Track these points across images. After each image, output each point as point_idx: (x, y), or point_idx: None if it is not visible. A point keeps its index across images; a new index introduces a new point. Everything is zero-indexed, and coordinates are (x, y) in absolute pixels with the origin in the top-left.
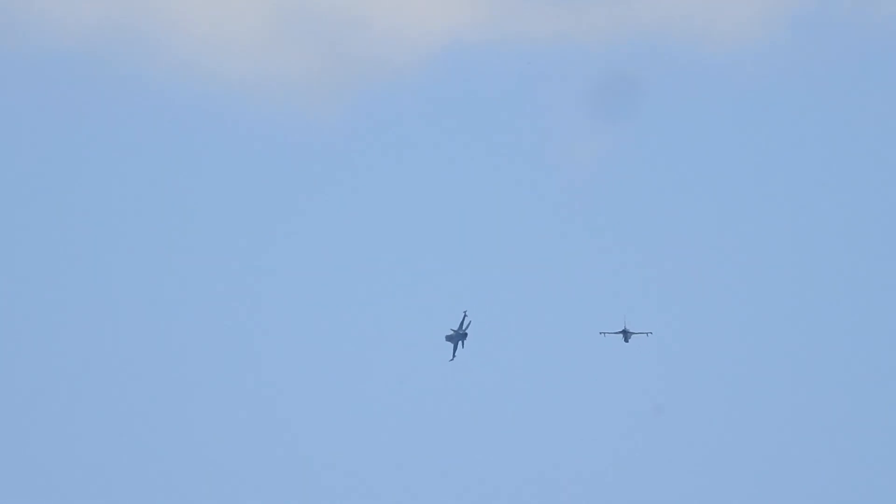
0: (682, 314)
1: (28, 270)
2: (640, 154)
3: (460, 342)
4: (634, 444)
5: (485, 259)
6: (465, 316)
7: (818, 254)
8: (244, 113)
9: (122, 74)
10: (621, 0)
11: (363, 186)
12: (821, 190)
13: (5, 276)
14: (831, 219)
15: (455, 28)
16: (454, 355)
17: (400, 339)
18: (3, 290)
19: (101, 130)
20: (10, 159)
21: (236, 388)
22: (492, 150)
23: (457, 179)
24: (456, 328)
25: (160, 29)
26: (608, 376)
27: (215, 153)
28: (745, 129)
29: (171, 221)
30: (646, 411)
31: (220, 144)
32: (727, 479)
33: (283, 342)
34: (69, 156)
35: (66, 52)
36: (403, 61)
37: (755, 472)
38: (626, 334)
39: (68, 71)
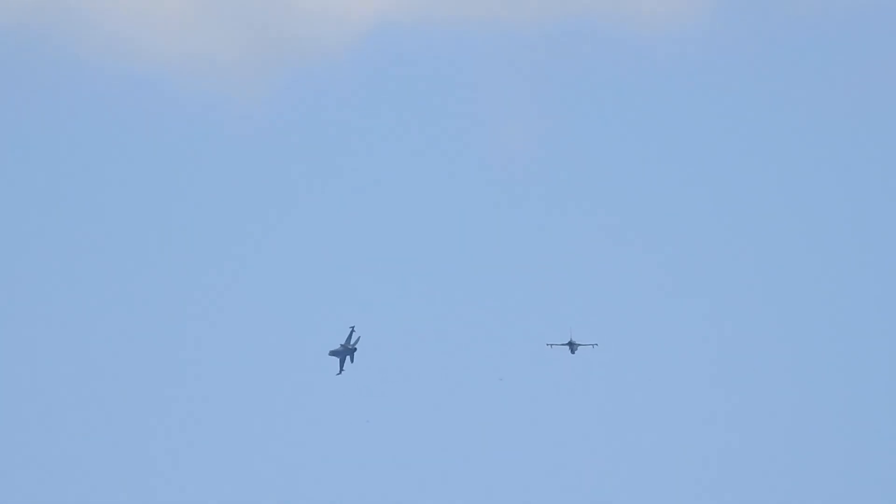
0: (631, 321)
1: None
2: (578, 137)
3: (348, 357)
4: (585, 455)
5: (417, 254)
6: (352, 331)
7: (769, 247)
8: (171, 92)
9: (48, 52)
10: None
11: (290, 168)
12: (757, 172)
13: None
14: (772, 203)
15: (384, 8)
16: (341, 369)
17: (325, 331)
18: None
19: (27, 108)
20: None
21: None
22: (423, 133)
23: (387, 164)
24: (343, 343)
25: (87, 6)
26: (555, 388)
27: (142, 132)
28: (678, 110)
29: (95, 200)
30: (594, 422)
31: (147, 123)
32: (671, 489)
33: (200, 330)
34: None
35: None
36: (332, 41)
37: (700, 483)
38: (572, 346)
39: None
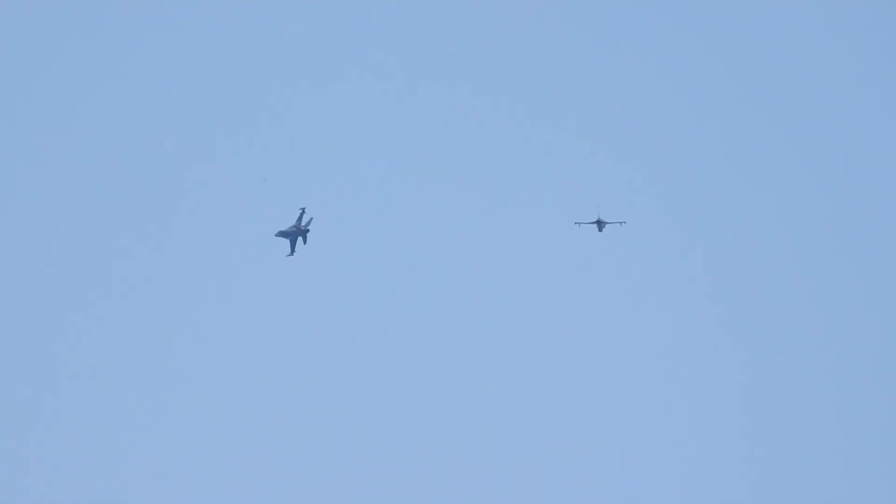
0: (659, 197)
1: None
2: None
3: (300, 238)
4: (609, 333)
5: (420, 112)
6: (302, 212)
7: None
8: None
9: None
10: None
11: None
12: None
13: None
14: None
15: None
16: (293, 251)
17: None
18: None
19: None
20: None
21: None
22: None
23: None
24: (294, 224)
25: None
26: (584, 267)
27: None
28: None
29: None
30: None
31: None
32: (691, 378)
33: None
34: None
35: None
36: None
37: (724, 371)
38: (599, 224)
39: None
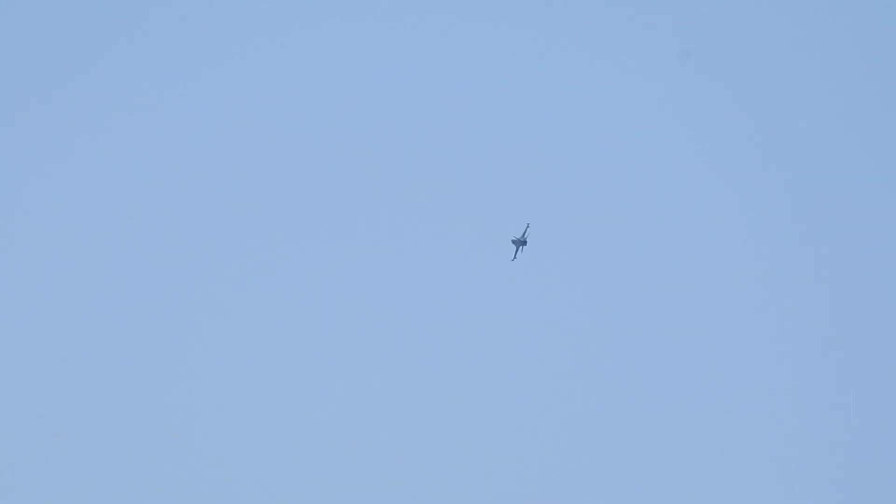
0: None
1: None
2: None
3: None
4: None
5: None
6: (527, 227)
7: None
8: None
9: None
10: None
11: None
12: None
13: None
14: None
15: None
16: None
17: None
18: None
19: None
20: None
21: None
22: None
23: None
24: (518, 236)
25: None
26: None
27: None
28: None
29: None
30: None
31: None
32: None
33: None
34: None
35: None
36: None
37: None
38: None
39: None
